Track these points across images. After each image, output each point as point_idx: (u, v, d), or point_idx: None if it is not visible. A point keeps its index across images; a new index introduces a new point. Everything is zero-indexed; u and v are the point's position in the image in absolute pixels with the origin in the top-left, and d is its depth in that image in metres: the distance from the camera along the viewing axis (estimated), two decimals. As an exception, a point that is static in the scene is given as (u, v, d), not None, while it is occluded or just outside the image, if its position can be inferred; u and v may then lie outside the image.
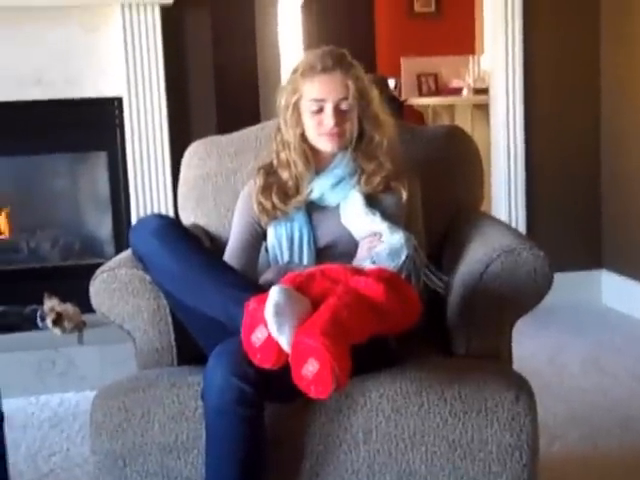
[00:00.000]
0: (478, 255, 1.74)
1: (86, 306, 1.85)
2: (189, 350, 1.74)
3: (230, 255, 1.88)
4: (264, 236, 1.89)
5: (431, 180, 2.00)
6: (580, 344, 3.13)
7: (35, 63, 3.12)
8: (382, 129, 1.87)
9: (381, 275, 1.57)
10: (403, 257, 1.73)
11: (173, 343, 1.75)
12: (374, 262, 1.72)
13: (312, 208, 1.87)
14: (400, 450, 1.54)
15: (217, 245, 2.03)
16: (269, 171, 1.91)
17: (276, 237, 1.86)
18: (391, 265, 1.71)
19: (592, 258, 3.65)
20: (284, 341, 1.42)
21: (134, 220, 3.13)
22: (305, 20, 5.98)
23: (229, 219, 1.99)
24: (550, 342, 3.16)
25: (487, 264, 1.69)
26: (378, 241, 1.77)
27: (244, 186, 1.98)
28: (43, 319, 2.91)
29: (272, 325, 1.41)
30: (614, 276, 3.59)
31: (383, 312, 1.51)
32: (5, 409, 1.84)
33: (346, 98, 1.80)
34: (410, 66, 6.42)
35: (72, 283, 2.35)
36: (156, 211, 3.13)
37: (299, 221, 1.85)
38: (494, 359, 1.71)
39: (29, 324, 2.93)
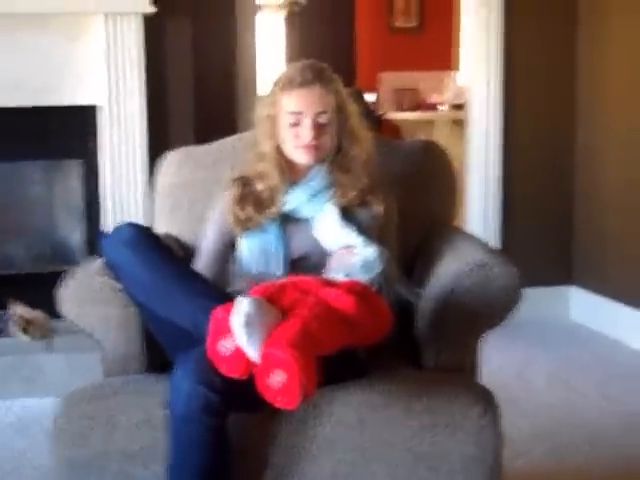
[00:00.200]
0: (451, 269, 1.75)
1: (56, 313, 1.84)
2: (156, 358, 1.73)
3: (201, 264, 1.89)
4: (234, 246, 1.90)
5: (406, 194, 2.01)
6: (548, 359, 3.16)
7: (13, 70, 3.10)
8: (359, 143, 1.88)
9: (352, 287, 1.58)
10: (376, 270, 1.75)
11: (141, 351, 1.74)
12: (347, 275, 1.73)
13: (286, 220, 1.88)
14: (365, 461, 1.54)
15: (189, 255, 2.02)
16: (245, 182, 1.92)
17: (249, 248, 1.86)
18: (364, 278, 1.72)
19: (562, 274, 3.68)
20: (253, 352, 1.42)
21: (107, 228, 3.12)
22: (288, 33, 6.01)
23: (203, 229, 1.99)
24: (518, 356, 3.18)
25: (459, 278, 1.71)
26: (351, 253, 1.78)
27: (218, 196, 1.99)
28: (10, 325, 2.89)
29: (242, 336, 1.42)
30: (583, 292, 3.63)
31: (353, 324, 1.52)
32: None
33: (325, 112, 1.82)
34: (390, 80, 6.46)
35: (43, 290, 2.34)
36: (129, 220, 3.11)
37: (273, 233, 1.86)
38: (462, 372, 1.73)
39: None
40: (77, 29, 3.13)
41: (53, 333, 2.89)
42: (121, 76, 3.13)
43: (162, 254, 1.67)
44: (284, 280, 1.63)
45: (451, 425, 1.55)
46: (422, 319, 1.76)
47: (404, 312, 1.78)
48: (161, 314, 1.63)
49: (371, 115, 5.57)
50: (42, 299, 2.67)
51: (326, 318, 1.49)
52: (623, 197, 3.42)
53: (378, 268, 1.74)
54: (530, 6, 3.60)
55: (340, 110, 1.84)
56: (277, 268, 1.83)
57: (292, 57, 5.50)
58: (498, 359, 3.00)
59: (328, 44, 5.75)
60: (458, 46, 5.99)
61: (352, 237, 1.80)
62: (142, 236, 1.69)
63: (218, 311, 1.47)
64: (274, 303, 1.51)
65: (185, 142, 2.46)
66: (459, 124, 4.97)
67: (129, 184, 3.19)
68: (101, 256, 1.77)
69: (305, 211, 1.87)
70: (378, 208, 1.87)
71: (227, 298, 1.58)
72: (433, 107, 6.02)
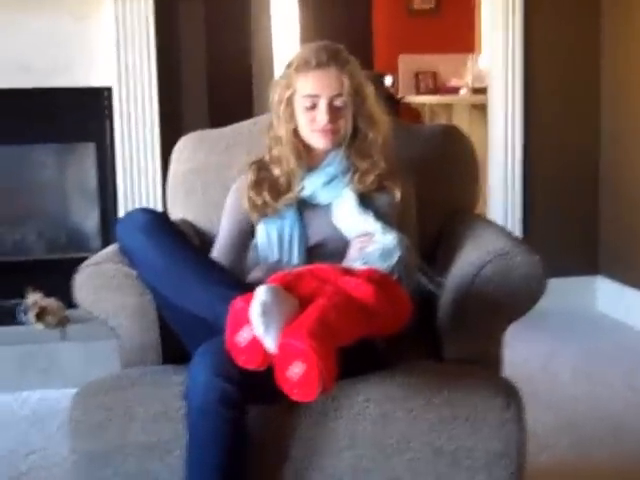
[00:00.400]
0: (471, 258, 1.74)
1: (71, 301, 1.84)
2: (174, 349, 1.73)
3: (218, 252, 1.87)
4: (253, 233, 1.89)
5: (426, 180, 2.00)
6: (573, 351, 3.13)
7: (23, 50, 3.10)
8: (377, 127, 1.86)
9: (371, 276, 1.57)
10: (395, 258, 1.73)
11: (158, 341, 1.74)
12: (365, 263, 1.71)
13: (303, 206, 1.87)
14: (385, 456, 1.53)
15: (205, 241, 2.02)
16: (261, 167, 1.91)
17: (266, 235, 1.85)
18: (383, 266, 1.71)
19: (588, 263, 3.65)
20: (270, 342, 1.41)
21: (121, 214, 3.12)
22: (302, 14, 5.97)
23: (218, 215, 1.98)
24: (543, 348, 3.16)
25: (480, 267, 1.69)
26: (370, 241, 1.76)
27: (234, 181, 1.98)
28: (25, 313, 2.89)
29: (258, 325, 1.41)
30: (610, 282, 3.59)
31: (372, 314, 1.51)
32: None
33: (340, 94, 1.80)
34: (408, 63, 6.42)
35: (57, 277, 2.34)
36: (144, 205, 3.12)
37: (290, 219, 1.85)
38: (485, 364, 1.71)
39: (11, 318, 2.92)
40: (87, 9, 3.12)
41: (68, 321, 2.89)
42: (130, 57, 3.12)
43: (177, 240, 1.67)
44: (302, 268, 1.61)
45: (472, 419, 1.53)
46: (443, 309, 1.75)
47: (425, 301, 1.77)
48: (176, 302, 1.63)
49: (389, 98, 5.54)
50: (56, 286, 2.68)
51: (345, 308, 1.48)
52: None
53: (397, 256, 1.73)
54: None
55: (357, 93, 1.82)
56: (294, 255, 1.82)
57: (306, 39, 5.47)
58: (522, 351, 2.98)
59: (344, 25, 5.72)
60: (478, 28, 5.94)
61: (370, 223, 1.78)
62: (157, 221, 1.68)
63: (237, 301, 1.46)
64: (291, 291, 1.49)
65: (199, 126, 2.46)
66: (478, 108, 4.93)
67: (143, 168, 3.19)
68: (116, 242, 1.77)
69: (322, 197, 1.86)
70: (396, 194, 1.86)
71: (244, 286, 1.57)
72: (453, 91, 5.98)
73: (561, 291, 2.98)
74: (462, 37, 6.20)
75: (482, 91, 4.91)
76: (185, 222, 2.08)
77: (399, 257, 1.73)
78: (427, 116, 5.93)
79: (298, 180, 1.86)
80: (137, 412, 1.56)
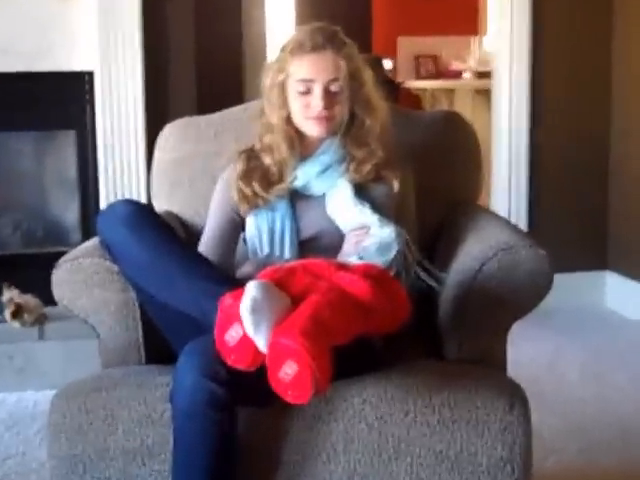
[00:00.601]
0: (473, 252, 1.74)
1: (49, 298, 1.84)
2: (158, 348, 1.73)
3: (205, 246, 1.87)
4: (243, 226, 1.89)
5: (426, 169, 2.00)
6: (580, 350, 3.14)
7: (1, 32, 3.08)
8: (374, 114, 1.86)
9: (368, 271, 1.57)
10: (393, 253, 1.74)
11: (141, 340, 1.74)
12: (361, 257, 1.72)
13: (296, 197, 1.87)
14: (383, 461, 1.54)
15: (192, 234, 2.02)
16: (251, 155, 1.91)
17: (256, 227, 1.85)
18: (380, 261, 1.71)
19: (597, 258, 3.66)
20: (261, 341, 1.41)
21: (103, 205, 3.11)
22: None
23: (205, 206, 1.98)
24: (549, 347, 3.17)
25: (483, 262, 1.69)
26: (366, 235, 1.77)
27: (223, 171, 1.97)
28: (1, 311, 2.89)
29: (248, 323, 1.41)
30: (619, 278, 3.60)
31: (369, 311, 1.51)
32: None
33: (337, 79, 1.79)
34: (408, 46, 6.42)
35: (34, 272, 2.34)
36: (127, 196, 3.11)
37: (281, 211, 1.85)
38: (487, 364, 1.71)
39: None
40: (68, -12, 3.10)
41: (46, 319, 2.89)
42: (113, 40, 3.10)
43: (162, 233, 1.67)
44: (294, 263, 1.61)
45: (474, 421, 1.54)
46: (443, 306, 1.75)
47: (424, 298, 1.77)
48: (161, 299, 1.63)
49: (388, 83, 5.53)
50: (33, 282, 2.68)
51: (339, 305, 1.48)
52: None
53: (395, 250, 1.73)
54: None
55: (354, 77, 1.82)
56: (286, 249, 1.82)
57: (302, 21, 5.46)
58: (528, 350, 2.99)
59: (341, 6, 5.70)
60: (482, 9, 5.93)
61: (367, 215, 1.79)
62: (140, 213, 1.68)
63: (226, 298, 1.46)
64: (283, 288, 1.50)
65: (186, 113, 2.45)
66: (482, 94, 4.94)
67: (126, 157, 3.18)
68: (97, 235, 1.76)
69: (316, 187, 1.86)
70: (394, 184, 1.86)
71: (233, 282, 1.58)
72: (455, 75, 5.98)
73: (568, 287, 2.99)
74: (465, 18, 6.19)
75: (486, 75, 4.91)
76: (170, 214, 2.08)
77: (397, 251, 1.74)
78: (428, 102, 5.93)
79: (290, 170, 1.86)
80: (120, 415, 1.56)
